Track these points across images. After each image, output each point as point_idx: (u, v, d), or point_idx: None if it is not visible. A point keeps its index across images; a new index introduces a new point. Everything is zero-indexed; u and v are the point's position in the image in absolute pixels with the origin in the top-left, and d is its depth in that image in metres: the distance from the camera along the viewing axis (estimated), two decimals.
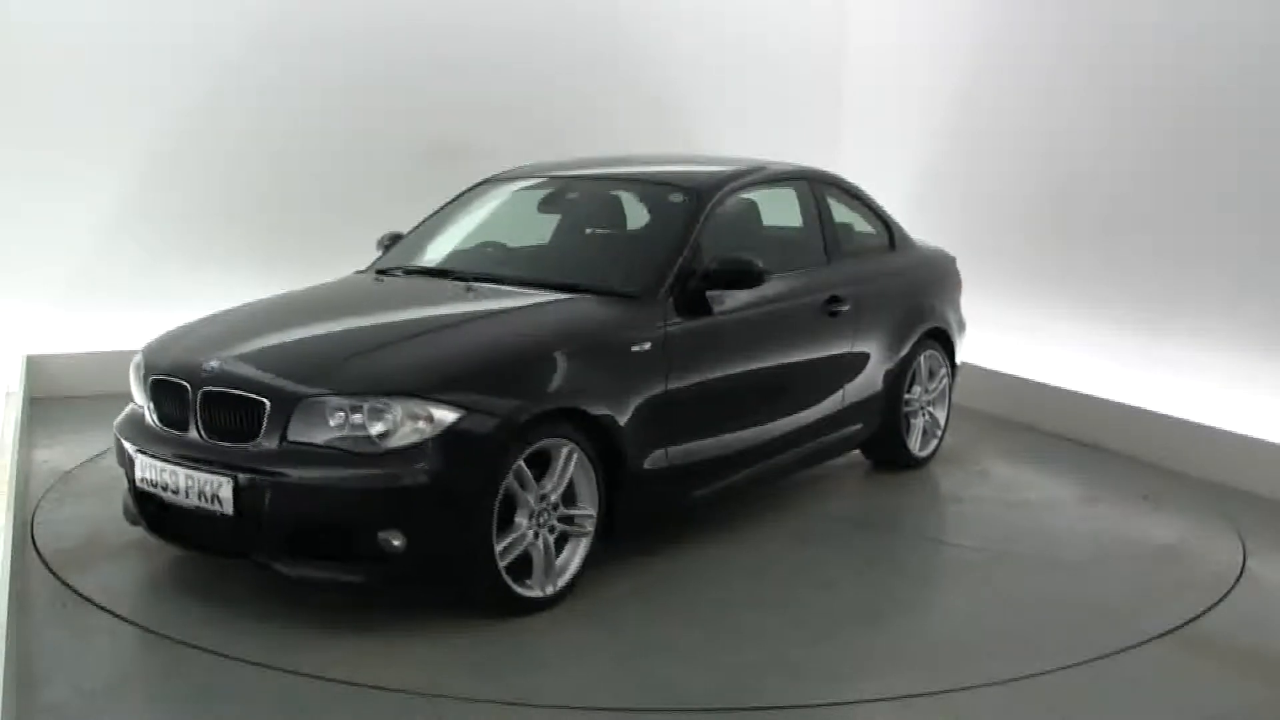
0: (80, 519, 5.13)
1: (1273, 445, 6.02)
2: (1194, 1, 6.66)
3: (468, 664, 3.90)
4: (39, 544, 4.83)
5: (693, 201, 5.25)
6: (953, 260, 6.74)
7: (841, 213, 6.05)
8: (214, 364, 4.33)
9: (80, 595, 4.36)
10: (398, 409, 4.01)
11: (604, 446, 4.45)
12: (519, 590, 4.22)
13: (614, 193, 5.72)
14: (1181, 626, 4.40)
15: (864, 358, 5.80)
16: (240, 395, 4.16)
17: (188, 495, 4.15)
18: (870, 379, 5.84)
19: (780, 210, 5.92)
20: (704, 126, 9.00)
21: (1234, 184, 6.45)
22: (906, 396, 6.12)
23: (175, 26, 7.62)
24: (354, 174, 8.11)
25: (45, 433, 6.41)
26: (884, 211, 6.35)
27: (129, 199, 7.63)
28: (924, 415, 6.29)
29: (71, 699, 3.63)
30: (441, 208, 5.99)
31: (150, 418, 4.47)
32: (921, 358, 6.19)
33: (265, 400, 4.10)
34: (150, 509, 4.38)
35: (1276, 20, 6.19)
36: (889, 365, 5.95)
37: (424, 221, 5.93)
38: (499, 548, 4.11)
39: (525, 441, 4.16)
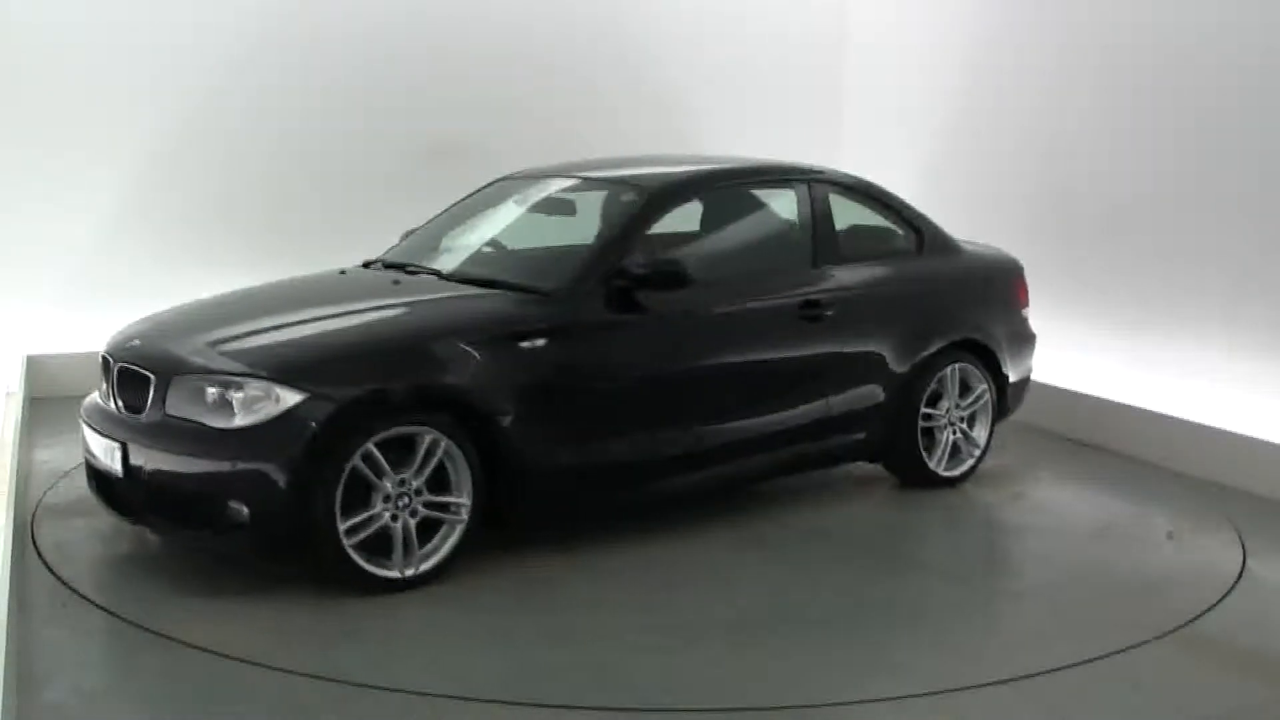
0: (80, 519, 5.11)
1: (1273, 445, 6.01)
2: (1195, 1, 6.66)
3: (276, 632, 4.06)
4: (39, 544, 4.83)
5: (639, 201, 5.26)
6: (1012, 268, 6.29)
7: (856, 215, 5.87)
8: (135, 343, 4.77)
9: (80, 595, 4.36)
10: (250, 388, 4.28)
11: (486, 439, 4.51)
12: (370, 569, 4.34)
13: (583, 192, 5.75)
14: (1181, 626, 4.39)
15: (857, 365, 5.55)
16: (136, 371, 4.57)
17: (101, 460, 4.59)
18: (868, 388, 5.57)
19: (780, 212, 5.86)
20: (704, 126, 8.97)
21: (1235, 184, 6.44)
22: (929, 411, 5.76)
23: (175, 26, 7.61)
24: (354, 174, 8.10)
25: (45, 433, 6.40)
26: (915, 214, 6.03)
27: (129, 199, 7.62)
28: (953, 432, 5.88)
29: (71, 699, 3.63)
30: (451, 206, 6.05)
31: (98, 393, 4.90)
32: (948, 370, 5.80)
33: (150, 375, 4.49)
34: (90, 473, 4.81)
35: (1277, 21, 6.19)
36: (896, 375, 5.62)
37: (432, 219, 6.00)
38: (344, 526, 4.23)
39: (373, 428, 4.28)
